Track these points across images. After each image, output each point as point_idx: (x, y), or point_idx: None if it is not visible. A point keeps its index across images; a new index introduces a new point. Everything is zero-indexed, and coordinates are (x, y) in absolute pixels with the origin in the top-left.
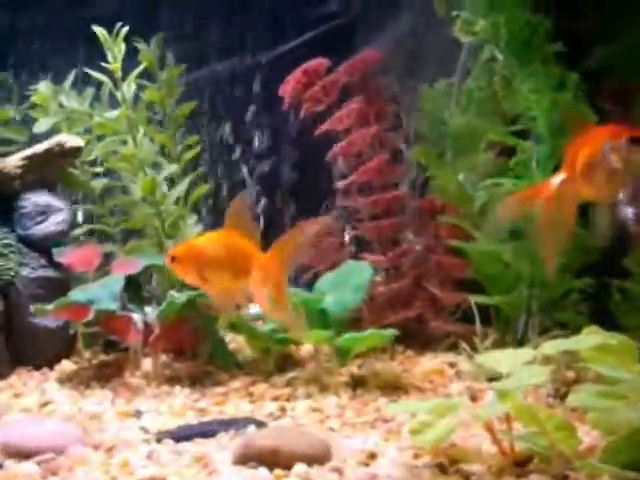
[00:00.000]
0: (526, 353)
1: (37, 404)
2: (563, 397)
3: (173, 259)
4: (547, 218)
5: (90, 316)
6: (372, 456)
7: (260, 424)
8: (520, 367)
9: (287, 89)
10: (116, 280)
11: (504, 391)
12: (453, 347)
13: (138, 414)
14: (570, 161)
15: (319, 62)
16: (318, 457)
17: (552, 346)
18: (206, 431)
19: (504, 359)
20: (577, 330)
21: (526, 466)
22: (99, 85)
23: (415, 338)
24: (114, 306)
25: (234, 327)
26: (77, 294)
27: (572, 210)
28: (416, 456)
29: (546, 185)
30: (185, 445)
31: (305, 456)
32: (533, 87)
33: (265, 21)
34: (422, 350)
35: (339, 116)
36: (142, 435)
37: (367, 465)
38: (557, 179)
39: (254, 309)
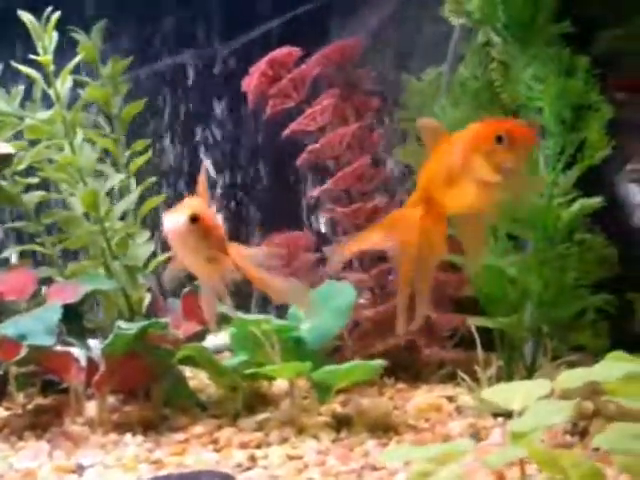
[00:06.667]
0: (541, 385)
1: None
2: (583, 433)
3: None
4: (413, 249)
5: (22, 353)
6: None
7: (227, 478)
8: (536, 402)
9: (250, 83)
10: (52, 310)
11: (519, 433)
12: (451, 378)
13: (80, 469)
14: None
15: (287, 51)
16: None
17: (573, 377)
18: None
19: (515, 393)
20: (595, 354)
21: None
22: (30, 83)
23: (406, 368)
24: (50, 341)
25: (194, 361)
26: (7, 328)
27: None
28: None
29: (406, 212)
30: None
31: None
32: (537, 74)
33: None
34: (415, 382)
35: (311, 113)
36: None
37: None
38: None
39: (215, 340)
